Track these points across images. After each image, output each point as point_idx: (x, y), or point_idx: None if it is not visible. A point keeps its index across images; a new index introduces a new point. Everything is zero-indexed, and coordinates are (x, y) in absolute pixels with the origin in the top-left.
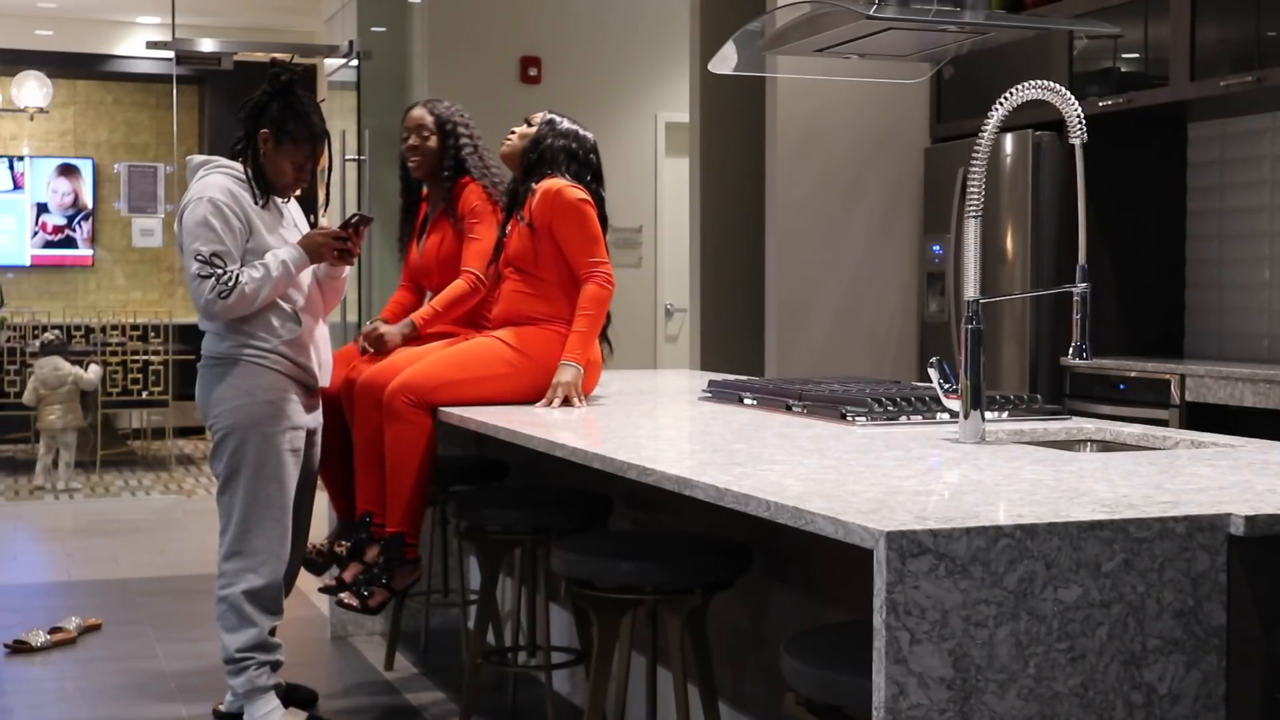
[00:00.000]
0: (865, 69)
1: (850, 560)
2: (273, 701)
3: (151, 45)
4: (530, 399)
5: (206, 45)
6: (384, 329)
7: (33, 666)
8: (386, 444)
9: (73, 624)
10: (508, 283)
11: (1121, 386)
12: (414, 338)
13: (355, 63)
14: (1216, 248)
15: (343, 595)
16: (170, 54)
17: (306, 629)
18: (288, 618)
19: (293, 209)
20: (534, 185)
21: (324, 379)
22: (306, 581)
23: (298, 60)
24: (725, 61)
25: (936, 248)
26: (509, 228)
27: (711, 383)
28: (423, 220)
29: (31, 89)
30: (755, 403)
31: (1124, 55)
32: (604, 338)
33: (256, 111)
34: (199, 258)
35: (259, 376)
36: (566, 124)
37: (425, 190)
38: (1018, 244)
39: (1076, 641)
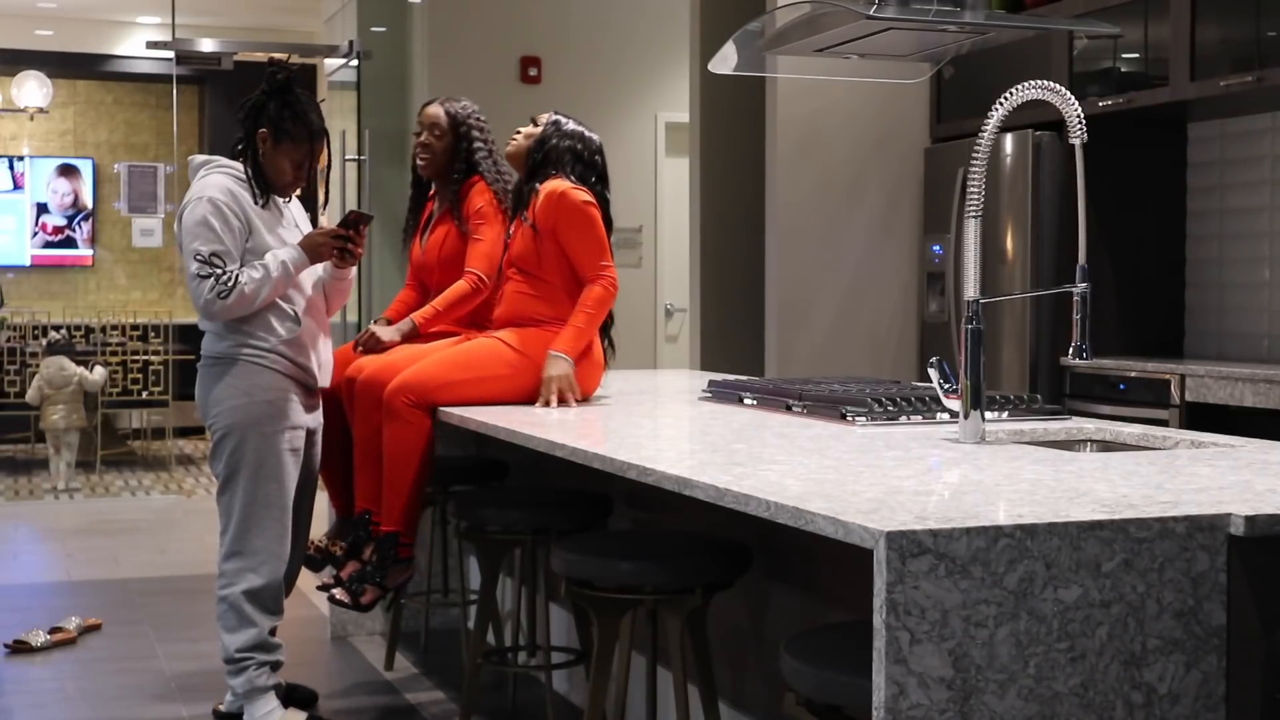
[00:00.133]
0: (865, 69)
1: (850, 560)
2: (272, 701)
3: (151, 45)
4: (530, 400)
5: (206, 45)
6: (379, 330)
7: (33, 666)
8: (385, 443)
9: (73, 624)
10: (510, 283)
11: (1121, 386)
12: (414, 337)
13: (355, 63)
14: (1216, 248)
15: (334, 591)
16: (170, 54)
17: (306, 629)
18: (288, 618)
19: (294, 209)
20: (538, 186)
21: (324, 379)
22: (306, 581)
23: (298, 60)
24: (725, 61)
25: (936, 248)
26: (513, 228)
27: (711, 383)
28: (428, 217)
29: (31, 89)
30: (755, 403)
31: (1124, 55)
32: (607, 338)
33: (254, 111)
34: (198, 257)
35: (258, 376)
36: (572, 125)
37: (433, 188)
38: (1018, 244)
39: (1076, 641)
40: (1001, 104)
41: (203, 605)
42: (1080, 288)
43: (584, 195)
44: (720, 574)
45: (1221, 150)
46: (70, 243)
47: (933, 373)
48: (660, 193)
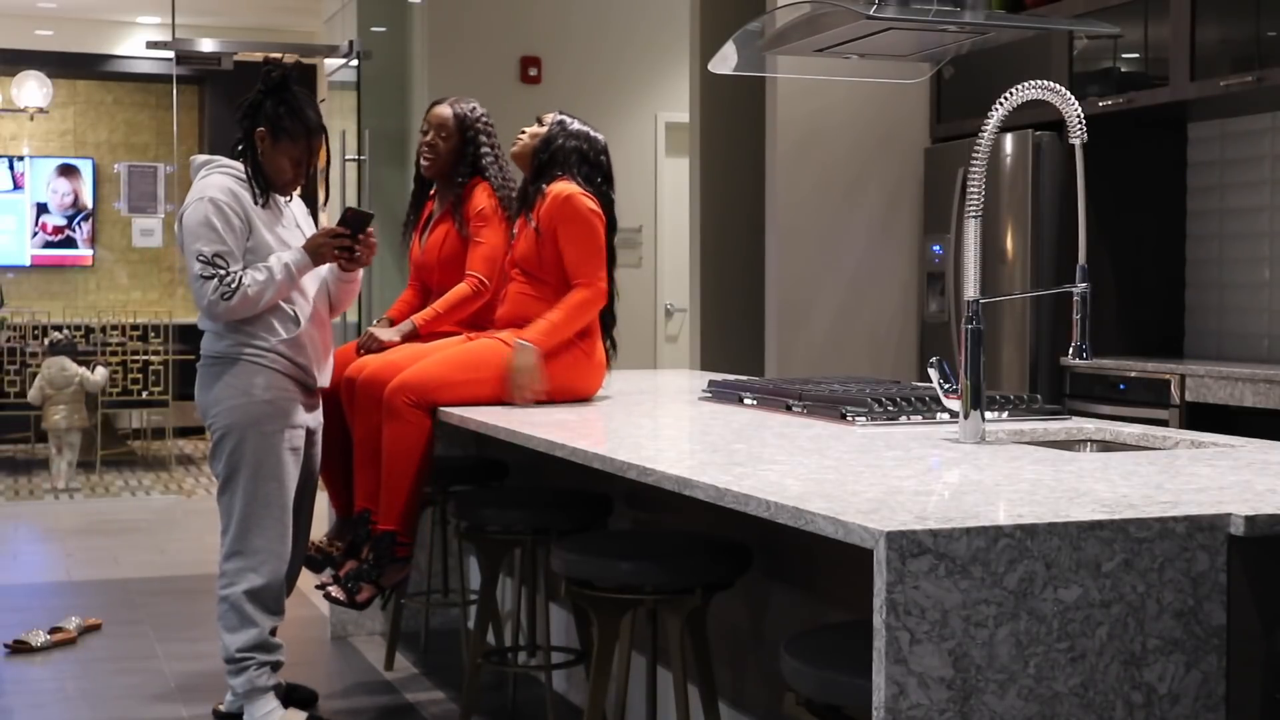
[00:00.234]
0: (865, 69)
1: (850, 560)
2: (272, 702)
3: (151, 45)
4: (530, 401)
5: (206, 45)
6: (378, 331)
7: (33, 666)
8: (384, 442)
9: (73, 624)
10: (513, 284)
11: (1121, 386)
12: (414, 338)
13: (355, 63)
14: (1216, 248)
15: (330, 589)
16: (170, 54)
17: (306, 629)
18: (288, 618)
19: (296, 208)
20: (544, 187)
21: (323, 379)
22: (306, 581)
23: (298, 60)
24: (725, 61)
25: (936, 248)
26: (517, 229)
27: (711, 383)
28: (428, 216)
29: (31, 89)
30: (755, 403)
31: (1124, 55)
32: (610, 338)
33: (252, 111)
34: (201, 258)
35: (257, 375)
36: (577, 125)
37: (434, 189)
38: (1018, 244)
39: (1076, 641)
40: (1001, 104)
41: (203, 605)
42: (1080, 288)
43: (590, 203)
44: (720, 574)
45: (1221, 150)
46: (70, 243)
47: (933, 373)
48: (660, 193)
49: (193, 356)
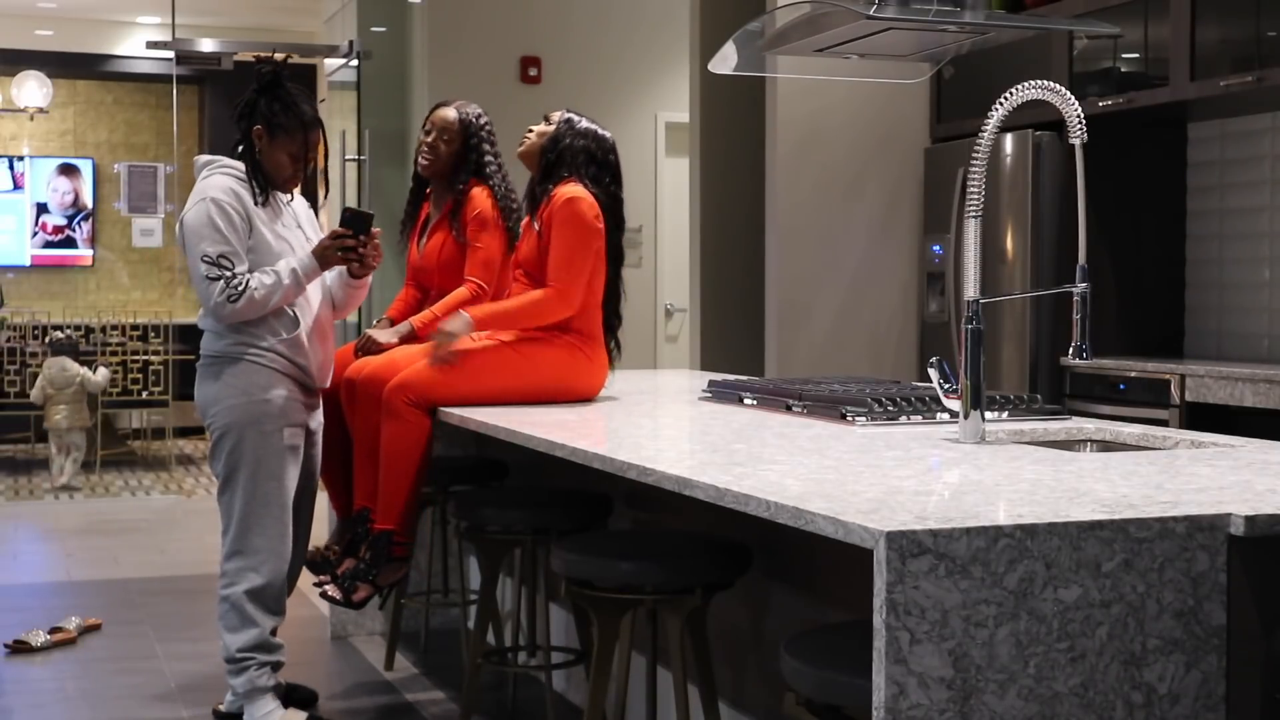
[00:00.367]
0: (865, 69)
1: (850, 560)
2: (273, 702)
3: (151, 45)
4: (530, 401)
5: (206, 45)
6: (376, 333)
7: (33, 666)
8: (383, 441)
9: (73, 624)
10: (516, 285)
11: (1121, 386)
12: (412, 340)
13: (355, 63)
14: (1216, 248)
15: (327, 588)
16: (170, 54)
17: (306, 629)
18: (288, 618)
19: (298, 206)
20: (551, 189)
21: (323, 379)
22: (306, 581)
23: (298, 60)
24: (725, 61)
25: (936, 248)
26: (522, 229)
27: (711, 383)
28: (425, 219)
29: (31, 89)
30: (755, 403)
31: (1124, 55)
32: (614, 339)
33: (248, 110)
34: (206, 259)
35: (256, 375)
36: (585, 124)
37: (429, 189)
38: (1018, 244)
39: (1076, 641)
40: (1001, 104)
41: (203, 605)
42: (1080, 288)
43: (593, 212)
44: (720, 574)
45: (1221, 150)
46: (70, 243)
47: (933, 373)
48: (660, 193)
49: (193, 356)
